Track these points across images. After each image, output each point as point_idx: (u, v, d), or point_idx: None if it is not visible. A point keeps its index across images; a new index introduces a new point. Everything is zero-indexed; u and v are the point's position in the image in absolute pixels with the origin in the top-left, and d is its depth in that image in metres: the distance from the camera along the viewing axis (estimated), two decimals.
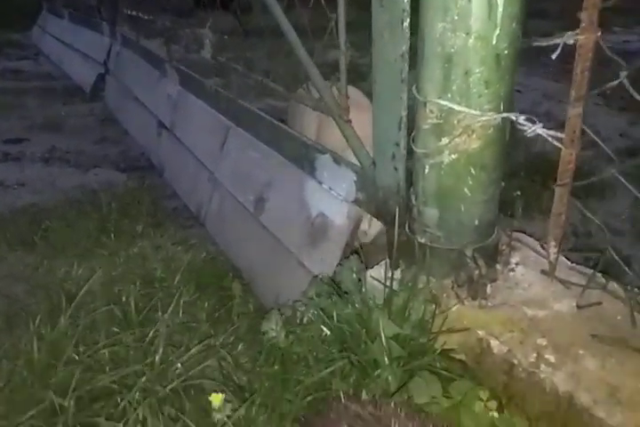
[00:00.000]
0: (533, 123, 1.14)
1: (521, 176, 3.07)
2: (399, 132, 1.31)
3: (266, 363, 1.18)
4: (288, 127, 1.90)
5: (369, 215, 1.50)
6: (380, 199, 1.44)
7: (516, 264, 1.31)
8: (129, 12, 4.08)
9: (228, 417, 0.95)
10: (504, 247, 1.37)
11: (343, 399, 1.00)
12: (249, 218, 1.99)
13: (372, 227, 1.48)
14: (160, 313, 1.30)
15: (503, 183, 1.31)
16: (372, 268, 1.40)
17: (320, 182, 1.69)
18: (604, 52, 1.06)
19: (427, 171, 1.27)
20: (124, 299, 1.51)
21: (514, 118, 1.16)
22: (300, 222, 1.72)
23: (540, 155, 3.29)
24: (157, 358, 1.16)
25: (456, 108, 1.16)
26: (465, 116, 1.17)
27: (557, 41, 1.05)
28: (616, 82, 0.93)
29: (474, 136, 1.19)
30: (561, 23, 0.91)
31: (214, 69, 2.52)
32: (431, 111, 1.21)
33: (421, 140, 1.26)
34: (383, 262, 1.41)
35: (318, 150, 1.68)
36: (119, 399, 1.08)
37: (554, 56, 1.01)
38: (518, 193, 1.84)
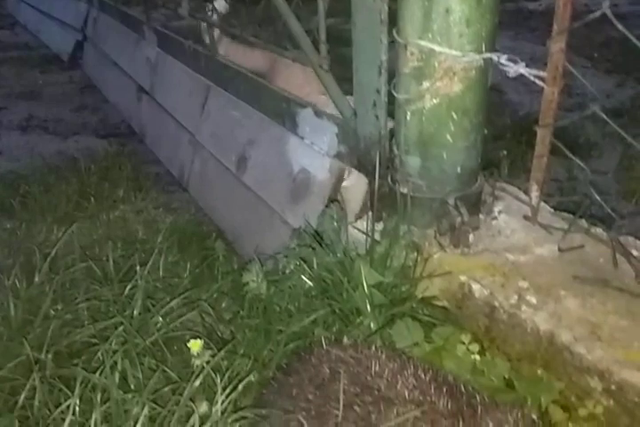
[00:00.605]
0: (515, 63, 1.10)
1: (507, 138, 3.04)
2: (379, 77, 1.26)
3: (248, 314, 1.16)
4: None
5: (351, 168, 1.47)
6: (361, 150, 1.40)
7: (499, 213, 1.30)
8: None
9: (207, 363, 0.94)
10: (487, 197, 1.35)
11: (325, 345, 0.99)
12: (231, 178, 1.95)
13: (354, 180, 1.45)
14: (139, 268, 1.26)
15: (486, 130, 1.29)
16: (355, 221, 1.39)
17: (302, 138, 1.65)
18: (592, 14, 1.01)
19: (408, 118, 1.23)
20: (104, 258, 1.48)
21: (496, 59, 1.12)
22: (282, 180, 1.68)
23: (527, 117, 3.26)
24: (136, 310, 1.14)
25: (437, 48, 1.12)
26: (446, 57, 1.13)
27: None
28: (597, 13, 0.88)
29: (455, 79, 1.15)
30: None
31: (189, 29, 2.43)
32: (412, 54, 1.16)
33: (402, 85, 1.22)
34: (366, 215, 1.39)
35: (299, 104, 1.63)
36: (99, 353, 1.07)
37: None
38: (504, 152, 1.82)
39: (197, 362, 0.94)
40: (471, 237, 1.24)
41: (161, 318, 1.14)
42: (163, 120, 2.67)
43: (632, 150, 2.96)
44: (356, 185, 1.46)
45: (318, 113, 1.56)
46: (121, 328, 1.07)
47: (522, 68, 1.08)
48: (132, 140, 3.00)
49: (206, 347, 1.05)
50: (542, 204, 1.30)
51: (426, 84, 1.16)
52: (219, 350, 1.08)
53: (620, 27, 0.93)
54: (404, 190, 1.30)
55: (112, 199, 2.17)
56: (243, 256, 1.76)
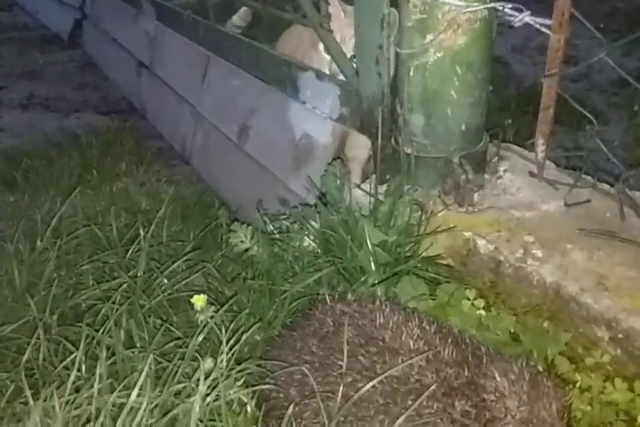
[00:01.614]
0: (520, 12, 1.07)
1: (512, 109, 3.00)
2: (382, 32, 1.23)
3: (252, 275, 1.16)
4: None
5: (354, 131, 1.44)
6: (364, 111, 1.38)
7: (505, 171, 1.28)
8: None
9: (211, 318, 0.93)
10: (492, 156, 1.32)
11: (329, 301, 0.98)
12: (233, 149, 1.93)
13: (357, 142, 1.43)
14: (142, 231, 1.26)
15: (491, 87, 1.25)
16: (360, 183, 1.37)
17: (303, 102, 1.62)
18: None
19: (411, 74, 1.20)
20: (107, 227, 1.47)
21: (500, 8, 1.08)
22: (284, 146, 1.66)
23: (532, 87, 3.20)
24: (140, 271, 1.13)
25: None
26: (450, 8, 1.09)
27: None
28: None
29: (459, 31, 1.12)
30: None
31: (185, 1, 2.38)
32: (414, 6, 1.13)
33: (405, 39, 1.18)
34: (371, 177, 1.37)
35: (300, 68, 1.60)
36: (102, 311, 1.07)
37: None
38: (509, 121, 1.78)
39: (201, 317, 0.93)
40: (476, 195, 1.23)
41: (165, 280, 1.13)
42: (163, 94, 2.64)
43: (638, 119, 2.92)
44: (359, 147, 1.44)
45: (320, 75, 1.52)
46: (124, 286, 1.07)
47: (527, 17, 1.05)
48: (134, 116, 2.97)
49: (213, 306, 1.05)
50: (548, 162, 1.28)
51: (429, 38, 1.13)
52: (223, 310, 1.08)
53: None
54: (409, 150, 1.27)
55: (114, 172, 2.16)
56: None
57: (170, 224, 1.62)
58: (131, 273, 1.15)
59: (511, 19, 1.08)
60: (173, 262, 1.18)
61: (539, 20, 1.04)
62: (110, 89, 3.50)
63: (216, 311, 0.95)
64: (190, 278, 1.16)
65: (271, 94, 1.78)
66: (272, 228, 1.27)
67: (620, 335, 0.85)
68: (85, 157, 2.21)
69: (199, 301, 0.93)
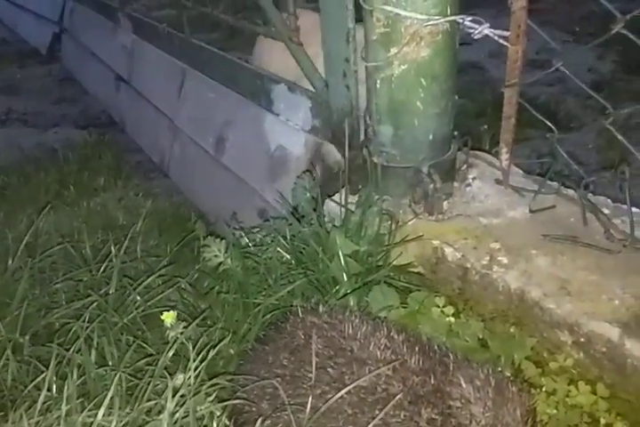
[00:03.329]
0: (480, 24, 1.09)
1: (488, 114, 3.05)
2: (348, 46, 1.25)
3: (225, 289, 1.16)
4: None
5: (326, 142, 1.46)
6: (335, 123, 1.40)
7: (473, 179, 1.30)
8: None
9: (181, 334, 0.94)
10: (462, 164, 1.35)
11: (300, 313, 0.99)
12: (210, 161, 1.94)
13: (329, 154, 1.44)
14: (114, 248, 1.26)
15: (457, 97, 1.28)
16: (333, 194, 1.38)
17: (277, 115, 1.64)
18: None
19: (378, 86, 1.22)
20: (83, 243, 1.47)
21: (460, 21, 1.11)
22: (260, 158, 1.68)
23: (496, 92, 3.26)
24: (112, 289, 1.13)
25: (402, 13, 1.11)
26: (412, 22, 1.12)
27: None
28: None
29: (422, 44, 1.14)
30: None
31: (163, 13, 2.39)
32: (378, 20, 1.15)
33: (371, 52, 1.21)
34: (343, 188, 1.39)
35: (273, 81, 1.62)
36: (72, 330, 1.06)
37: None
38: (485, 127, 1.81)
39: (172, 334, 0.94)
40: (445, 203, 1.24)
41: (138, 296, 1.13)
42: (141, 107, 2.65)
43: (613, 120, 2.98)
44: (331, 158, 1.46)
45: (292, 88, 1.55)
46: (96, 304, 1.07)
47: (486, 30, 1.08)
48: (113, 130, 2.97)
49: (185, 321, 1.06)
50: (515, 168, 1.30)
51: (393, 51, 1.15)
52: (197, 325, 1.08)
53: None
54: (379, 161, 1.29)
55: (92, 187, 2.16)
56: (226, 238, 1.76)
57: (147, 239, 1.62)
58: (103, 291, 1.15)
59: (471, 31, 1.11)
60: (148, 277, 1.18)
61: (497, 32, 1.07)
62: (89, 103, 3.49)
63: (186, 327, 0.95)
64: (164, 294, 1.17)
65: (246, 107, 1.80)
66: (247, 240, 1.28)
67: (582, 339, 0.87)
68: (63, 173, 2.21)
69: (169, 317, 0.93)
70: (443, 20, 1.11)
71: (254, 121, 1.73)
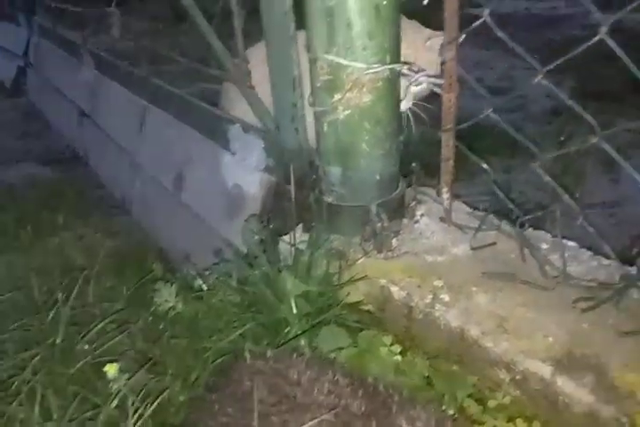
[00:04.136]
0: (416, 72, 1.15)
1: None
2: (294, 92, 1.30)
3: (176, 334, 1.16)
4: (223, 106, 1.83)
5: (280, 181, 1.49)
6: (287, 163, 1.43)
7: (421, 216, 1.34)
8: (53, 5, 3.88)
9: (125, 385, 0.93)
10: (411, 201, 1.39)
11: (248, 358, 1.00)
12: (170, 198, 1.95)
13: (282, 193, 1.47)
14: (61, 295, 1.25)
15: (402, 137, 1.33)
16: (285, 233, 1.41)
17: (233, 153, 1.67)
18: (534, 18, 1.07)
19: (325, 129, 1.27)
20: (36, 288, 1.45)
21: (398, 69, 1.17)
22: (217, 197, 1.70)
23: (468, 120, 3.37)
24: (59, 338, 1.12)
25: (343, 62, 1.16)
26: (352, 70, 1.17)
27: None
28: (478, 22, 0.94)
29: (364, 90, 1.19)
30: None
31: (122, 52, 2.43)
32: (321, 68, 1.20)
33: (317, 98, 1.25)
34: (296, 227, 1.41)
35: (229, 121, 1.65)
36: (24, 384, 1.05)
37: (425, 2, 1.01)
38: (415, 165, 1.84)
39: (115, 386, 0.93)
40: (395, 240, 1.28)
41: (86, 345, 1.12)
42: (104, 143, 2.66)
43: (567, 147, 3.10)
44: (285, 197, 1.48)
45: (246, 129, 1.58)
46: (37, 358, 1.06)
47: (421, 78, 1.14)
48: (77, 165, 2.96)
49: (134, 369, 1.05)
50: (461, 204, 1.35)
51: (337, 97, 1.20)
52: (148, 371, 1.08)
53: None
54: (330, 200, 1.33)
55: (52, 226, 2.13)
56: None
57: (103, 280, 1.61)
58: (51, 340, 1.13)
59: (408, 77, 1.17)
60: (95, 325, 1.17)
61: (431, 80, 1.13)
62: (54, 137, 3.48)
63: (130, 378, 0.95)
64: (114, 341, 1.16)
65: (204, 145, 1.83)
66: (201, 282, 1.29)
67: (519, 377, 0.90)
68: (21, 213, 2.18)
69: (112, 369, 0.93)
70: (382, 68, 1.16)
71: (212, 159, 1.76)
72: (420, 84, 1.21)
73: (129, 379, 0.95)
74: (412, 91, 1.33)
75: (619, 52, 0.80)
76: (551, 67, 0.91)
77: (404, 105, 1.36)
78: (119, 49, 2.64)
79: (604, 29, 0.81)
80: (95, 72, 2.86)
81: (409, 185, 1.39)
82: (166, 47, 2.07)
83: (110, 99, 2.66)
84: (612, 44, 0.81)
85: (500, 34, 0.94)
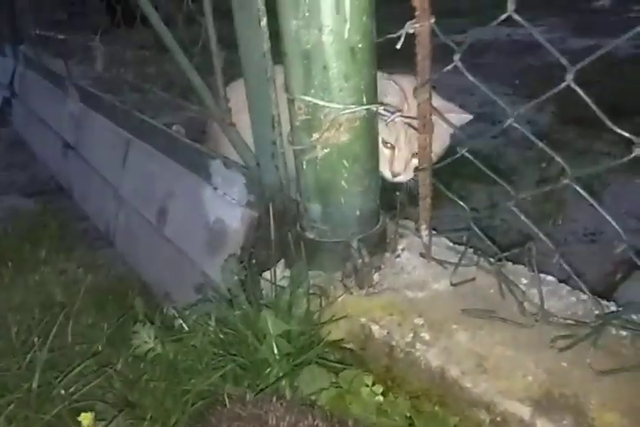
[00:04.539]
0: (392, 113, 1.18)
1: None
2: (273, 130, 1.32)
3: (156, 376, 1.15)
4: (209, 138, 1.83)
5: (261, 217, 1.50)
6: (268, 199, 1.44)
7: (402, 250, 1.35)
8: (37, 32, 3.92)
9: None
10: (393, 235, 1.40)
11: (227, 403, 0.99)
12: (153, 232, 1.95)
13: (264, 229, 1.48)
14: (37, 338, 1.23)
15: (381, 174, 1.35)
16: (267, 269, 1.40)
17: (215, 188, 1.68)
18: (515, 44, 1.10)
19: (305, 167, 1.28)
20: (13, 330, 1.43)
21: (375, 109, 1.19)
22: (200, 231, 1.70)
23: (448, 147, 3.43)
24: (35, 383, 1.10)
25: (320, 103, 1.18)
26: (330, 110, 1.19)
27: (401, 31, 1.09)
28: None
29: (342, 129, 1.21)
30: (474, 19, 0.93)
31: (106, 84, 2.46)
32: (299, 108, 1.23)
33: (295, 136, 1.27)
34: (277, 264, 1.41)
35: (210, 156, 1.67)
36: None
37: (398, 46, 1.05)
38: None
39: None
40: (376, 275, 1.28)
41: (62, 390, 1.10)
42: (88, 175, 2.65)
43: (547, 173, 3.15)
44: (267, 233, 1.49)
45: (227, 164, 1.59)
46: (11, 406, 1.03)
47: (397, 118, 1.16)
48: (61, 197, 2.95)
49: (113, 413, 1.03)
50: (442, 239, 1.36)
51: (315, 136, 1.22)
52: (126, 415, 1.06)
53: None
54: (311, 236, 1.33)
55: (34, 261, 2.11)
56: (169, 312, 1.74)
57: (84, 317, 1.59)
58: (27, 385, 1.11)
59: (384, 118, 1.20)
60: (71, 370, 1.15)
61: (407, 120, 1.15)
62: (39, 169, 3.47)
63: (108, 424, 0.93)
64: (92, 385, 1.14)
65: (187, 179, 1.83)
66: (181, 322, 1.27)
67: (498, 418, 0.89)
68: (3, 246, 2.16)
69: (86, 419, 0.91)
70: (358, 108, 1.19)
71: (194, 193, 1.76)
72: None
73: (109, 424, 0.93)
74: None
75: (585, 97, 0.83)
76: (521, 111, 0.93)
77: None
78: (104, 80, 2.67)
79: (569, 77, 0.83)
80: (80, 104, 2.88)
81: (393, 217, 1.41)
82: (152, 77, 2.09)
83: (95, 131, 2.67)
84: (578, 90, 0.84)
85: (471, 78, 0.97)
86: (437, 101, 1.40)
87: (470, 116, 1.45)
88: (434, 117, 1.34)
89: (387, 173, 1.50)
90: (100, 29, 2.53)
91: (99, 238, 2.43)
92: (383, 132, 1.40)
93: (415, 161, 1.38)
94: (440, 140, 1.47)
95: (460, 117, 1.43)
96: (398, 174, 1.49)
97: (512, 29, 6.36)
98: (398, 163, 1.48)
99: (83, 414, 0.92)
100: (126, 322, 1.53)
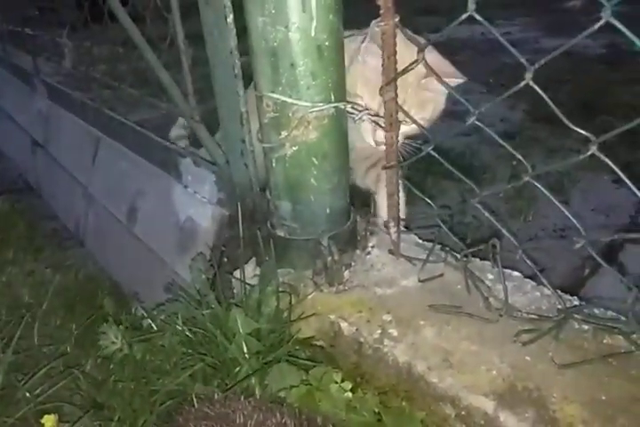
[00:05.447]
0: (360, 111, 1.19)
1: (403, 167, 3.18)
2: (242, 128, 1.31)
3: (123, 377, 1.13)
4: None
5: (232, 215, 1.49)
6: (238, 197, 1.43)
7: (372, 247, 1.35)
8: (6, 28, 3.81)
9: None
10: (363, 233, 1.41)
11: (195, 402, 0.98)
12: (123, 230, 1.92)
13: (234, 227, 1.47)
14: (0, 340, 1.20)
15: (351, 171, 1.35)
16: (237, 268, 1.40)
17: (186, 186, 1.66)
18: (490, 43, 1.10)
19: (274, 165, 1.28)
20: None
21: (342, 107, 1.19)
22: (170, 230, 1.68)
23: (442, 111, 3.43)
24: None
25: (288, 100, 1.18)
26: (298, 108, 1.19)
27: (366, 30, 1.10)
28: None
29: (310, 127, 1.21)
30: (450, 18, 0.92)
31: (76, 82, 2.41)
32: (267, 105, 1.22)
33: (265, 134, 1.27)
34: (248, 262, 1.41)
35: (180, 154, 1.65)
36: None
37: (363, 44, 1.05)
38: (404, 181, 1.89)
39: None
40: (347, 273, 1.29)
41: (28, 393, 1.08)
42: (57, 173, 2.60)
43: (519, 171, 3.21)
44: (237, 231, 1.48)
45: (197, 162, 1.58)
46: None
47: (365, 116, 1.17)
48: (29, 196, 2.88)
49: (79, 415, 1.02)
50: (411, 236, 1.38)
51: (284, 133, 1.22)
52: (93, 417, 1.04)
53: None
54: (281, 234, 1.33)
55: (0, 262, 2.06)
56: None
57: (53, 318, 1.56)
58: None
59: (352, 116, 1.20)
60: (36, 371, 1.13)
61: (374, 118, 1.16)
62: (7, 166, 3.39)
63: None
64: (58, 386, 1.12)
65: (157, 177, 1.81)
66: (150, 322, 1.26)
67: (463, 412, 0.91)
68: None
69: (49, 421, 0.89)
70: (326, 106, 1.19)
71: (165, 191, 1.74)
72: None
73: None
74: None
75: (542, 94, 0.85)
76: (482, 109, 0.94)
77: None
78: (74, 77, 2.61)
79: (529, 76, 0.85)
80: (48, 102, 2.82)
81: (364, 214, 1.41)
82: (123, 74, 2.05)
83: (63, 129, 2.62)
84: (536, 88, 0.86)
85: (435, 76, 0.98)
86: (433, 58, 1.30)
87: (464, 79, 1.33)
88: (428, 79, 1.29)
89: (371, 142, 1.42)
90: (67, 25, 2.47)
91: (68, 238, 2.39)
92: (366, 100, 1.31)
93: (404, 128, 1.34)
94: (435, 103, 1.41)
95: (454, 82, 1.32)
96: (382, 144, 1.34)
97: (486, 28, 6.43)
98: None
99: (46, 416, 0.90)
100: (95, 323, 1.50)
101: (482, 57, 5.69)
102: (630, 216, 2.49)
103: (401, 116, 1.13)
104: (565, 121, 0.79)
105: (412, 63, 0.99)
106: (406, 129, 1.38)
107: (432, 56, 1.28)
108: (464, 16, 0.83)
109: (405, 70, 1.01)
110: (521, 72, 0.86)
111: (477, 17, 0.83)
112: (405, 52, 1.09)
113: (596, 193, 2.71)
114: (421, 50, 0.97)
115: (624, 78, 4.23)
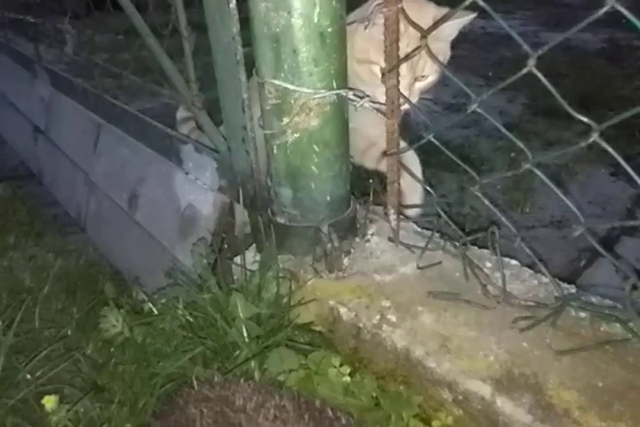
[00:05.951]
0: (361, 98, 1.18)
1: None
2: (244, 114, 1.31)
3: (122, 360, 1.14)
4: None
5: (233, 202, 1.50)
6: (239, 184, 1.44)
7: (372, 235, 1.36)
8: (8, 15, 3.79)
9: (70, 419, 0.91)
10: (363, 220, 1.41)
11: (195, 385, 0.99)
12: (124, 217, 1.92)
13: (235, 213, 1.48)
14: (1, 322, 1.21)
15: (352, 158, 1.36)
16: (239, 254, 1.40)
17: (187, 173, 1.66)
18: (489, 37, 1.09)
19: (275, 152, 1.28)
20: None
21: (344, 94, 1.19)
22: (171, 216, 1.68)
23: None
24: None
25: (290, 87, 1.18)
26: (300, 94, 1.19)
27: (369, 15, 1.10)
28: None
29: (312, 114, 1.21)
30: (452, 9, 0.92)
31: (78, 69, 2.40)
32: (269, 92, 1.22)
33: (266, 121, 1.27)
34: (250, 248, 1.42)
35: (181, 141, 1.65)
36: None
37: (367, 30, 1.05)
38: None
39: (54, 418, 0.91)
40: (346, 260, 1.30)
41: (29, 375, 1.09)
42: (58, 160, 2.60)
43: (517, 162, 3.20)
44: (239, 218, 1.49)
45: (198, 149, 1.58)
46: None
47: (366, 104, 1.17)
48: (30, 182, 2.89)
49: (80, 397, 1.03)
50: (410, 224, 1.38)
51: (285, 120, 1.22)
52: (94, 399, 1.05)
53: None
54: (282, 221, 1.34)
55: (1, 247, 2.07)
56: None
57: (54, 303, 1.57)
58: None
59: (354, 103, 1.20)
60: (37, 354, 1.14)
61: (375, 105, 1.16)
62: (8, 153, 3.38)
63: (69, 410, 0.93)
64: (58, 369, 1.13)
65: (158, 163, 1.81)
66: (151, 306, 1.27)
67: (460, 397, 0.92)
68: None
69: (50, 402, 0.90)
70: (328, 93, 1.19)
71: (165, 178, 1.75)
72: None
73: (69, 410, 0.93)
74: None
75: (545, 82, 0.84)
76: (484, 97, 0.94)
77: None
78: (76, 64, 2.60)
79: (531, 62, 0.84)
80: (50, 88, 2.81)
81: (364, 202, 1.42)
82: (126, 61, 2.04)
83: (65, 116, 2.61)
84: (539, 75, 0.85)
85: (438, 63, 0.98)
86: (434, 10, 1.32)
87: (474, 14, 1.22)
88: (433, 33, 1.21)
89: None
90: (69, 13, 2.46)
91: (69, 224, 2.39)
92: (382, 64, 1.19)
93: (419, 84, 1.34)
94: (444, 54, 1.36)
95: (463, 20, 1.26)
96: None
97: (486, 22, 6.40)
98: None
99: (46, 397, 0.91)
100: (96, 307, 1.51)
101: (481, 50, 5.66)
102: (627, 209, 2.50)
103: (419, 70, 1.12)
104: (567, 108, 0.79)
105: (415, 49, 0.98)
106: (421, 85, 1.38)
107: (432, 6, 1.33)
108: (467, 2, 0.82)
109: (408, 57, 1.01)
110: (520, 66, 0.86)
111: (480, 2, 0.82)
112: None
113: (593, 186, 2.72)
114: (424, 36, 0.97)
115: (623, 73, 4.21)
